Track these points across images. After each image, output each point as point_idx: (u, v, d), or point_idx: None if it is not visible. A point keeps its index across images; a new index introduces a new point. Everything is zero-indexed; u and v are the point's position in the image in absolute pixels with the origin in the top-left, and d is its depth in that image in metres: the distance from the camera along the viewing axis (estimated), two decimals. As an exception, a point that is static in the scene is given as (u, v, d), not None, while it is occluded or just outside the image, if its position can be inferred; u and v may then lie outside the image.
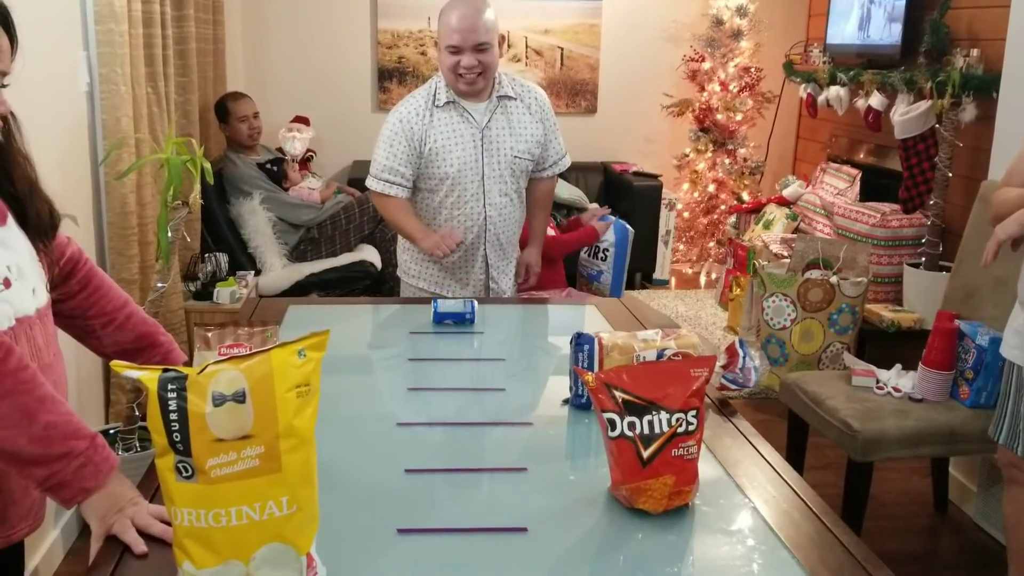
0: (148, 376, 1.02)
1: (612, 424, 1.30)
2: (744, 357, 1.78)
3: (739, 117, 5.67)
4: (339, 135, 5.56)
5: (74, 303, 1.49)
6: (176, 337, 3.33)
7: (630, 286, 5.16)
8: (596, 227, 3.32)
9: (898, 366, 2.77)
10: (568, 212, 5.33)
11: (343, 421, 1.62)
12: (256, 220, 4.19)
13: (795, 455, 2.90)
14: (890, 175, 4.58)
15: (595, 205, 3.38)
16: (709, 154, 5.76)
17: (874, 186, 4.70)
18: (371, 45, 5.66)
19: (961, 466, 3.07)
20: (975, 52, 3.80)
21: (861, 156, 5.00)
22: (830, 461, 3.26)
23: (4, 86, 1.25)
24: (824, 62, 5.06)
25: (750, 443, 1.60)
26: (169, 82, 3.44)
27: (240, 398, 1.02)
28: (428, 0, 5.35)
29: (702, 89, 5.72)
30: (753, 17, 5.61)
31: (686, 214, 5.90)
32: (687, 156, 5.83)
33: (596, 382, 1.32)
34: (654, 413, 1.30)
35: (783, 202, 5.20)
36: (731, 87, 5.65)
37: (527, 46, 5.76)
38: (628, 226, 3.40)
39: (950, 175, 3.88)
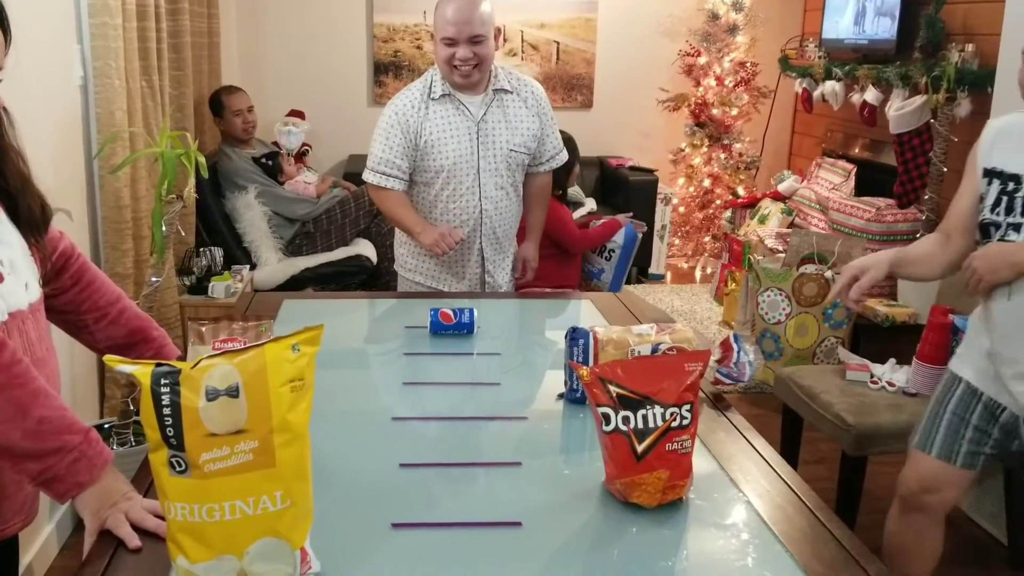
0: (141, 371, 1.02)
1: (606, 418, 1.30)
2: (738, 351, 1.78)
3: (735, 112, 5.67)
4: (335, 129, 5.55)
5: (67, 298, 1.48)
6: (170, 331, 3.32)
7: (626, 281, 5.17)
8: (618, 218, 3.33)
9: (892, 360, 2.78)
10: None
11: (337, 416, 1.62)
12: (251, 214, 4.18)
13: (789, 449, 2.90)
14: (885, 170, 4.59)
15: (628, 215, 3.43)
16: (705, 149, 5.76)
17: (869, 181, 4.70)
18: (367, 39, 5.65)
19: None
20: (970, 47, 3.81)
21: (856, 151, 5.01)
22: (824, 455, 3.27)
23: None
24: (820, 57, 5.06)
25: (744, 437, 1.60)
26: (163, 76, 3.43)
27: (234, 393, 1.02)
28: (424, -6, 5.35)
29: (698, 84, 5.72)
30: (749, 12, 5.60)
31: (681, 209, 5.90)
32: (683, 151, 5.83)
33: (591, 376, 1.32)
34: (648, 407, 1.30)
35: (778, 197, 5.20)
36: (727, 82, 5.65)
37: (523, 40, 5.75)
38: (638, 232, 3.40)
39: (945, 170, 3.88)
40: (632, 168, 5.60)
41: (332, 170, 5.50)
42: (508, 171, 2.60)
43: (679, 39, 5.78)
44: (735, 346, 1.78)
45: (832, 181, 4.89)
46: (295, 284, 4.21)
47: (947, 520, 2.95)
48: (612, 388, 1.31)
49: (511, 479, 1.42)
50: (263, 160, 4.35)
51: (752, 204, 5.37)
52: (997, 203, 1.86)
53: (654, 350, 1.69)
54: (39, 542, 2.46)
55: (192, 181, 2.98)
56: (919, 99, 3.96)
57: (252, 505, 1.03)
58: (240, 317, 1.51)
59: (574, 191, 5.34)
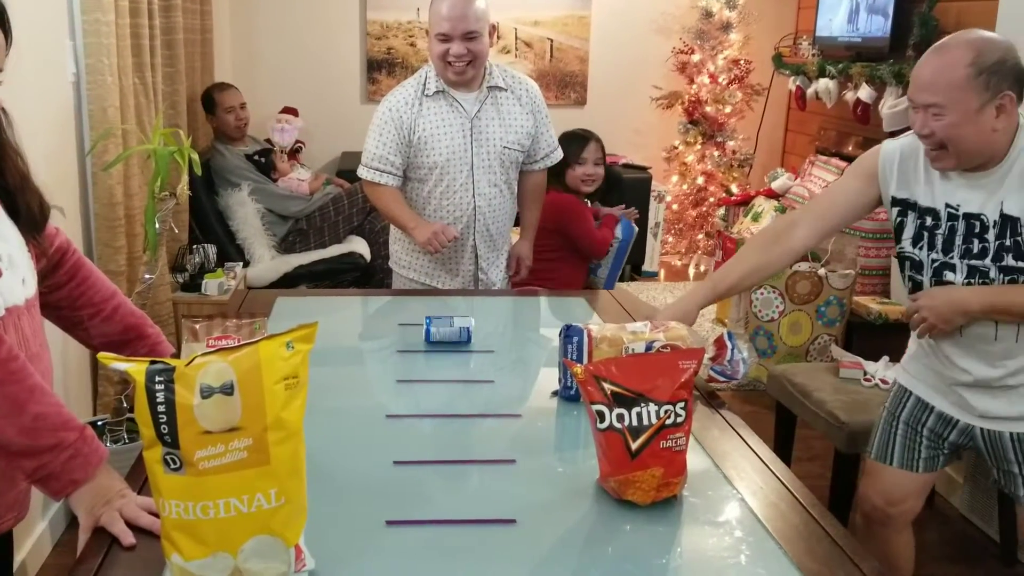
0: (135, 368, 1.02)
1: (601, 416, 1.31)
2: (732, 349, 1.78)
3: (728, 109, 5.68)
4: (328, 126, 5.54)
5: (62, 293, 1.48)
6: (164, 329, 3.31)
7: (619, 278, 5.17)
8: (614, 212, 3.31)
9: (885, 358, 2.78)
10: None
11: (332, 413, 1.61)
12: (244, 211, 4.17)
13: (783, 447, 2.91)
14: (878, 168, 4.59)
15: (621, 207, 3.37)
16: (698, 146, 5.76)
17: (862, 179, 4.70)
18: (360, 36, 5.64)
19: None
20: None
21: (849, 149, 5.01)
22: (817, 453, 3.28)
23: None
24: (813, 55, 5.07)
25: (738, 435, 1.60)
26: (156, 72, 3.42)
27: (228, 390, 1.02)
28: (417, -9, 5.34)
29: (691, 81, 5.73)
30: (742, 9, 5.61)
31: (675, 206, 5.91)
32: (676, 148, 5.84)
33: (585, 374, 1.32)
34: (643, 405, 1.30)
35: (772, 195, 5.21)
36: (720, 79, 5.66)
37: (517, 38, 5.75)
38: (635, 225, 3.39)
39: (938, 168, 3.89)
40: (626, 165, 5.61)
41: (325, 167, 5.49)
42: (502, 168, 2.59)
43: (673, 36, 5.78)
44: (729, 344, 1.79)
45: (825, 179, 4.89)
46: (288, 281, 4.20)
47: (939, 517, 2.98)
48: (606, 386, 1.31)
49: (505, 476, 1.42)
50: (256, 157, 4.34)
51: (745, 202, 5.37)
52: (919, 238, 1.84)
53: (648, 348, 1.69)
54: (32, 539, 2.45)
55: (185, 178, 2.97)
56: (912, 97, 3.96)
57: (247, 503, 1.03)
58: (234, 314, 1.51)
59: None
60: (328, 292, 3.25)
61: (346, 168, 5.17)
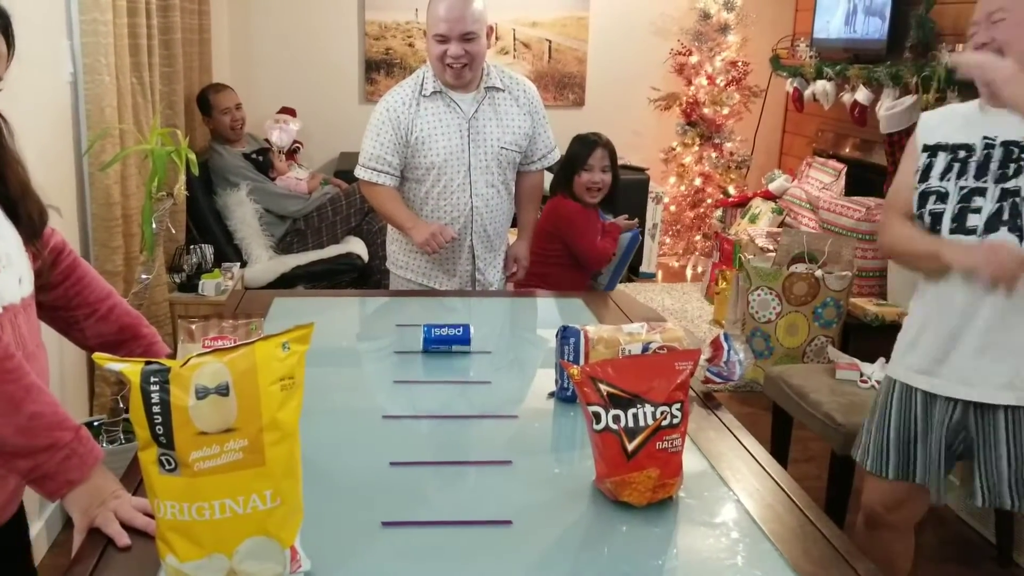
0: (131, 369, 1.02)
1: (597, 417, 1.31)
2: (729, 350, 1.78)
3: (726, 111, 5.68)
4: (326, 126, 5.54)
5: (57, 293, 1.48)
6: (160, 329, 3.31)
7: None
8: (618, 222, 3.23)
9: (882, 359, 2.78)
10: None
11: (328, 414, 1.61)
12: (242, 211, 4.16)
13: (779, 448, 2.91)
14: (875, 169, 4.60)
15: (623, 217, 3.27)
16: (696, 148, 5.77)
17: (859, 180, 4.72)
18: (358, 36, 5.63)
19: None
20: (960, 47, 3.81)
21: (846, 150, 5.02)
22: (814, 454, 3.28)
23: None
24: (811, 56, 5.07)
25: (734, 436, 1.60)
26: (154, 72, 3.42)
27: (223, 391, 1.02)
28: (415, -9, 5.34)
29: (689, 83, 5.73)
30: (740, 11, 5.61)
31: (672, 207, 5.91)
32: (674, 150, 5.84)
33: (581, 375, 1.32)
34: (639, 406, 1.30)
35: (769, 196, 5.21)
36: (718, 81, 5.66)
37: (515, 38, 5.75)
38: (640, 234, 3.38)
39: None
40: (624, 167, 5.59)
41: (323, 168, 5.48)
42: (499, 169, 2.59)
43: (671, 38, 5.78)
44: (725, 345, 1.79)
45: (822, 180, 4.90)
46: (286, 282, 4.20)
47: (936, 518, 2.98)
48: (603, 387, 1.31)
49: (502, 478, 1.42)
50: (254, 156, 4.34)
51: (743, 203, 5.38)
52: (947, 171, 1.83)
53: (645, 349, 1.69)
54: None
55: (182, 178, 2.97)
56: (909, 99, 3.97)
57: (242, 504, 1.03)
58: (230, 315, 1.50)
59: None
60: (325, 293, 3.25)
61: (344, 168, 5.16)
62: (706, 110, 5.68)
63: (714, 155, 5.73)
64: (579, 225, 2.99)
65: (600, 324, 1.92)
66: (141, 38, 3.21)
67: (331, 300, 2.51)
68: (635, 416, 1.30)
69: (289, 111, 5.15)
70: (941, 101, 3.80)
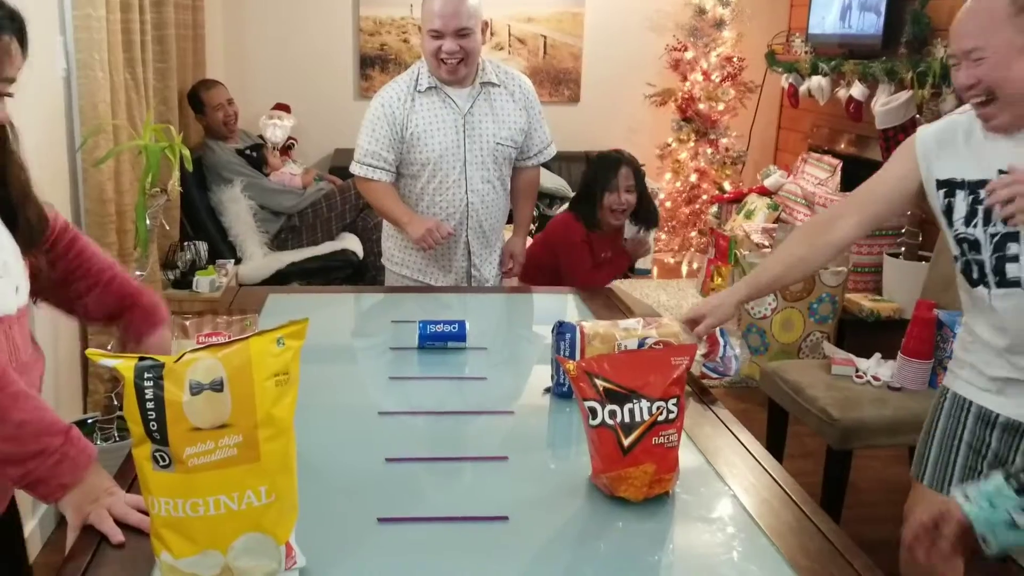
0: (124, 365, 1.01)
1: (593, 412, 1.30)
2: (725, 346, 1.78)
3: (721, 107, 5.68)
4: (321, 123, 5.52)
5: (59, 267, 1.47)
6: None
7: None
8: (631, 249, 3.13)
9: (877, 355, 2.79)
10: (551, 201, 5.32)
11: (323, 410, 1.61)
12: (237, 208, 4.15)
13: (775, 443, 2.91)
14: (871, 165, 4.57)
15: (635, 230, 3.18)
16: (691, 144, 5.76)
17: (855, 176, 4.69)
18: (353, 32, 5.62)
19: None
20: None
21: (842, 146, 5.02)
22: (810, 449, 3.28)
23: (9, 95, 1.24)
24: (806, 52, 5.07)
25: (730, 431, 1.60)
26: (147, 68, 3.40)
27: (218, 387, 1.01)
28: (410, -13, 5.33)
29: (685, 79, 5.72)
30: (735, 7, 5.61)
31: (668, 204, 5.90)
32: (669, 146, 5.83)
33: (577, 371, 1.32)
34: (635, 401, 1.30)
35: (764, 192, 5.21)
36: (713, 77, 5.65)
37: (510, 34, 5.73)
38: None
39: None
40: (619, 163, 5.59)
41: (318, 164, 5.46)
42: (495, 164, 2.59)
43: (666, 34, 5.78)
44: (721, 340, 1.79)
45: (818, 176, 4.90)
46: (281, 279, 4.18)
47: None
48: (599, 382, 1.31)
49: (497, 474, 1.42)
50: (248, 152, 4.32)
51: (738, 199, 5.37)
52: (972, 216, 1.68)
53: (641, 344, 1.68)
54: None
55: (176, 174, 2.96)
56: (905, 94, 3.97)
57: (237, 500, 1.02)
58: (224, 311, 1.50)
59: (560, 185, 5.34)
60: (320, 289, 3.25)
61: (339, 165, 5.14)
62: (701, 106, 5.67)
63: (709, 151, 5.72)
64: (574, 257, 2.93)
65: (596, 320, 1.92)
66: (134, 34, 3.19)
67: (326, 296, 2.51)
68: (631, 411, 1.30)
69: (283, 107, 5.14)
70: (937, 96, 3.80)
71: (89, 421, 2.76)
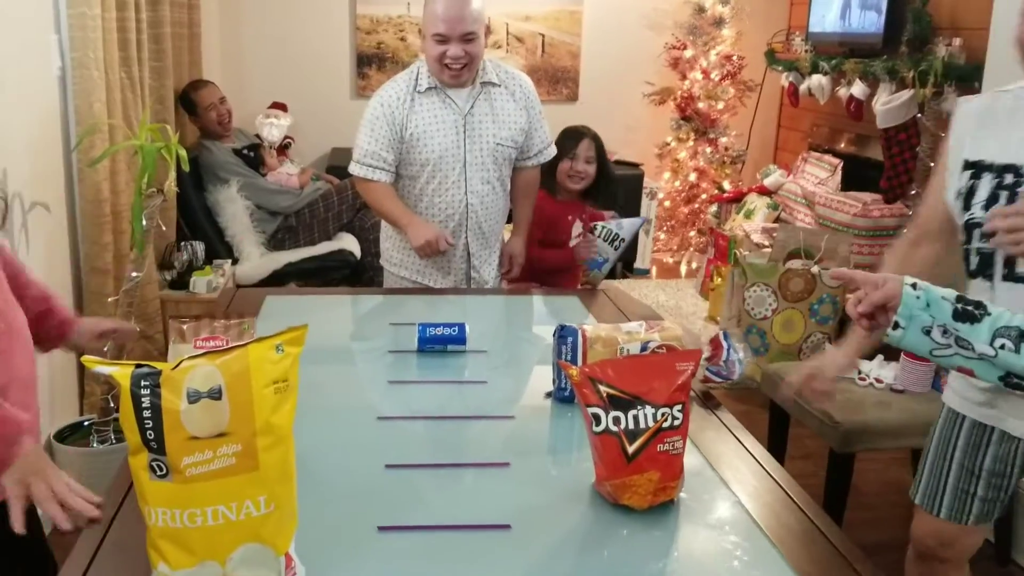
0: (120, 372, 0.99)
1: (597, 419, 1.28)
2: (728, 349, 1.76)
3: (721, 106, 5.66)
4: (317, 122, 5.49)
5: None
6: (151, 327, 3.28)
7: (611, 275, 5.15)
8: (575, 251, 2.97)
9: (880, 357, 2.77)
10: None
11: (322, 415, 1.58)
12: (233, 208, 4.12)
13: (776, 446, 2.89)
14: (871, 165, 4.59)
15: (612, 213, 3.15)
16: (691, 143, 5.74)
17: (855, 175, 4.70)
18: (350, 30, 5.59)
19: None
20: (957, 41, 3.80)
21: (842, 145, 5.01)
22: (810, 451, 3.27)
23: None
24: (806, 51, 5.05)
25: (734, 436, 1.58)
26: (143, 67, 3.38)
27: (216, 395, 0.99)
28: (408, -15, 5.31)
29: (684, 77, 5.70)
30: (735, 5, 5.59)
31: (667, 203, 5.89)
32: (668, 145, 5.81)
33: (580, 376, 1.30)
34: (639, 408, 1.28)
35: (764, 191, 5.20)
36: (713, 75, 5.63)
37: (508, 33, 5.71)
38: (647, 218, 3.30)
39: (932, 164, 3.86)
40: (618, 162, 5.57)
41: (315, 163, 5.44)
42: (495, 165, 2.57)
43: (665, 32, 5.75)
44: (725, 344, 1.77)
45: (818, 176, 4.88)
46: (278, 279, 4.16)
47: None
48: (602, 388, 1.29)
49: (499, 480, 1.40)
50: (244, 152, 4.30)
51: (738, 199, 5.36)
52: (993, 200, 1.57)
53: (643, 348, 1.67)
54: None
55: (172, 174, 2.93)
56: (906, 93, 3.95)
57: (235, 510, 1.00)
58: (222, 315, 1.48)
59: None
60: (318, 291, 3.22)
61: (336, 164, 5.12)
62: (701, 105, 5.65)
63: (709, 150, 5.71)
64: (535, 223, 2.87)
65: (598, 323, 1.90)
66: (130, 32, 3.16)
67: (324, 298, 2.49)
68: (635, 418, 1.28)
69: (280, 106, 5.10)
70: (939, 96, 3.78)
71: (86, 423, 2.74)
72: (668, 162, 5.84)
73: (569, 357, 1.64)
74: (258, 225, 4.22)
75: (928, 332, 1.30)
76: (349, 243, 4.41)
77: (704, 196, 5.79)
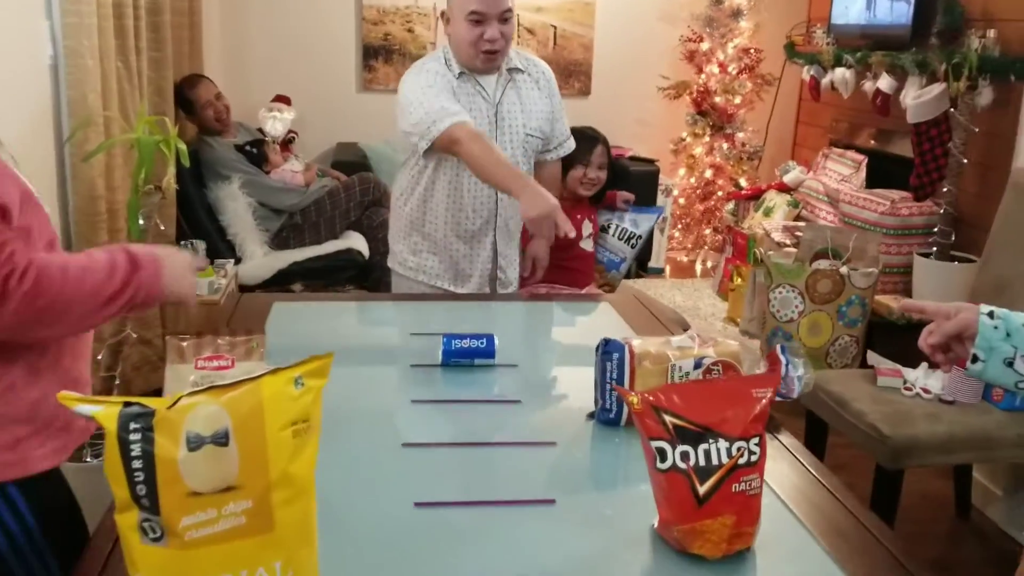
0: (106, 412, 0.82)
1: (662, 454, 1.11)
2: (787, 365, 1.58)
3: (738, 100, 5.48)
4: (322, 115, 5.31)
5: None
6: (149, 331, 3.11)
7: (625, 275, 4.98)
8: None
9: (924, 365, 2.60)
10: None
11: (341, 443, 1.40)
12: (235, 205, 3.95)
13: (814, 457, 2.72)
14: (897, 161, 4.41)
15: (625, 196, 3.09)
16: (706, 138, 5.56)
17: (880, 172, 4.52)
18: (355, 21, 5.41)
19: (984, 468, 2.91)
20: (992, 33, 3.62)
21: (865, 141, 4.83)
22: (843, 461, 3.09)
23: None
24: (828, 43, 4.87)
25: (804, 466, 1.41)
26: (141, 56, 3.20)
27: (222, 439, 0.82)
28: (415, -25, 5.13)
29: (700, 71, 5.52)
30: (753, -4, 5.41)
31: (682, 200, 5.71)
32: (684, 140, 5.63)
33: (642, 404, 1.12)
34: (711, 441, 1.11)
35: (784, 188, 5.02)
36: (730, 69, 5.45)
37: (519, 24, 5.53)
38: (666, 214, 3.17)
39: (964, 161, 3.71)
40: (633, 158, 5.40)
41: (319, 158, 5.26)
42: (524, 158, 2.38)
43: (680, 24, 5.57)
44: (783, 359, 1.59)
45: (841, 172, 4.70)
46: (282, 279, 3.99)
47: (977, 532, 2.80)
48: (668, 418, 1.11)
49: (544, 521, 1.22)
50: (247, 148, 4.12)
51: (756, 196, 5.18)
52: None
53: (697, 365, 1.49)
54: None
55: (172, 170, 2.76)
56: (938, 87, 3.77)
57: (245, 578, 0.83)
58: (226, 328, 1.30)
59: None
60: (328, 296, 3.05)
61: (342, 159, 4.95)
62: (717, 99, 5.47)
63: (725, 146, 5.52)
64: None
65: (641, 336, 1.72)
66: (127, 19, 2.99)
67: (336, 305, 2.30)
68: (707, 453, 1.10)
69: (283, 99, 4.93)
70: (972, 90, 3.61)
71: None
72: (683, 158, 5.66)
73: (615, 376, 1.47)
74: (261, 223, 4.05)
75: (1011, 364, 1.22)
76: (357, 242, 4.23)
77: (720, 193, 5.61)
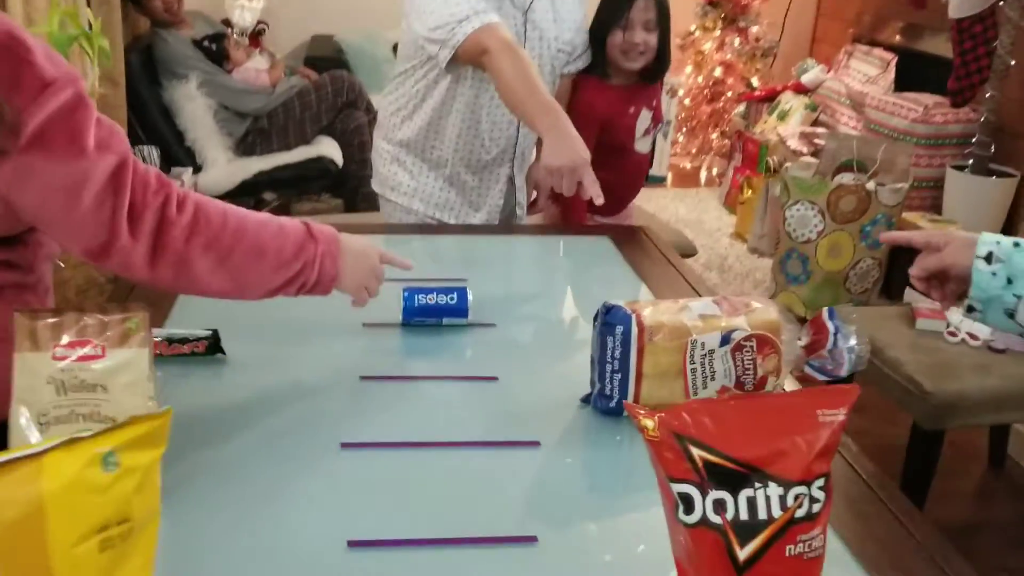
0: None
1: (687, 503, 0.78)
2: (836, 335, 1.25)
3: (754, -11, 4.99)
4: (296, 4, 4.81)
5: None
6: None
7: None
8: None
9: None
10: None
11: (259, 446, 1.08)
12: (193, 107, 3.55)
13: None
14: (931, 61, 3.98)
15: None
16: (717, 32, 5.08)
17: (912, 73, 4.10)
18: None
19: (1022, 414, 2.63)
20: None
21: (892, 37, 4.37)
22: (863, 403, 2.80)
23: None
24: (856, -75, 4.37)
25: (867, 485, 1.09)
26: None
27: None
28: None
29: (712, -45, 5.01)
30: None
31: (687, 101, 5.27)
32: (692, 34, 5.15)
33: (661, 430, 0.79)
34: (758, 485, 0.78)
35: (801, 89, 4.60)
36: (746, -46, 4.95)
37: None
38: (670, 117, 2.69)
39: (1012, 63, 3.31)
40: (635, 54, 4.94)
41: (292, 53, 4.78)
42: (551, 76, 1.97)
43: (691, -98, 5.03)
44: (831, 326, 1.25)
45: (867, 73, 4.27)
46: (248, 189, 3.63)
47: (1015, 490, 2.54)
48: (696, 451, 0.78)
49: (522, 567, 0.91)
50: (205, 43, 3.68)
51: (770, 98, 4.76)
52: None
53: (725, 340, 1.16)
54: None
55: (95, 72, 2.34)
56: (986, -24, 3.34)
57: None
58: (95, 307, 0.96)
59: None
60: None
61: (316, 55, 4.50)
62: (731, -12, 4.98)
63: (737, 41, 5.05)
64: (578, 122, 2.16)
65: (648, 286, 1.38)
66: None
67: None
68: (751, 502, 0.78)
69: (252, -14, 4.44)
70: (1026, -20, 3.18)
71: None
72: (691, 54, 5.20)
73: (619, 354, 1.14)
74: (224, 127, 3.66)
75: (1012, 315, 1.07)
76: (330, 149, 3.85)
77: (730, 94, 5.17)
